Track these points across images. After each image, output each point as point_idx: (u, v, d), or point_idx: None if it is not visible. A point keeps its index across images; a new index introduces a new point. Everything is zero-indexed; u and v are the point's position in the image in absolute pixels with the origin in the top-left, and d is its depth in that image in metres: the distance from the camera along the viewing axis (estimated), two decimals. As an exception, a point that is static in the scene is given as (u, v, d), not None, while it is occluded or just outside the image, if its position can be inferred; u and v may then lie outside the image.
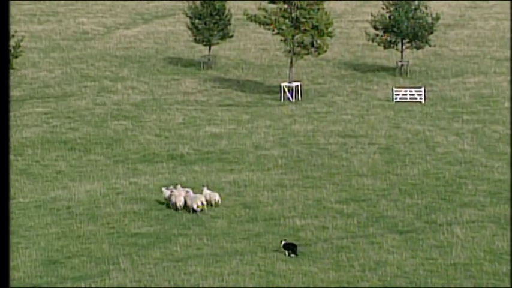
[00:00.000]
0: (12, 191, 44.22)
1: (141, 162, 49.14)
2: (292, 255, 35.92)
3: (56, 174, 47.44)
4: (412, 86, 64.46)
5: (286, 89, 62.72)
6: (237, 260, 36.11)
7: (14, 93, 63.90)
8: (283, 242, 36.39)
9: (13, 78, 66.36)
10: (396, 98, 61.73)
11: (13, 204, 42.43)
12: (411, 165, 47.61)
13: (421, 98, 61.62)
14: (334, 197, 42.99)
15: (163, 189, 41.71)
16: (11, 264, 35.81)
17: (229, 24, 69.75)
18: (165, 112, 59.04)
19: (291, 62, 63.67)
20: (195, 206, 40.30)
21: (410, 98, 61.61)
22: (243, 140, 52.57)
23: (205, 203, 40.57)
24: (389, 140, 52.43)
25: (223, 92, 64.73)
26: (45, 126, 56.05)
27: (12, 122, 56.12)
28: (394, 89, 62.44)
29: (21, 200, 43.26)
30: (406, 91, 61.96)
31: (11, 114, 58.11)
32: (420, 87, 62.82)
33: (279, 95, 62.99)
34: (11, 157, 49.66)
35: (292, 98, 62.48)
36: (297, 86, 63.07)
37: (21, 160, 49.52)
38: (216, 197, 41.26)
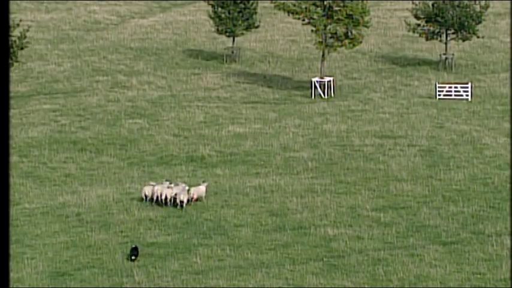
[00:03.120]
0: (17, 196, 44.58)
1: (157, 165, 49.35)
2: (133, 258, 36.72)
3: (65, 178, 47.76)
4: (457, 81, 64.16)
5: (317, 85, 62.70)
6: (262, 272, 36.16)
7: (20, 88, 64.43)
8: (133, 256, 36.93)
9: (18, 72, 66.95)
10: (439, 95, 61.50)
11: (18, 210, 42.78)
12: (456, 170, 47.40)
13: (467, 95, 61.33)
14: (370, 204, 42.92)
15: (149, 186, 42.30)
16: (15, 276, 36.09)
17: (255, 13, 69.83)
18: (184, 110, 59.25)
19: (323, 55, 63.63)
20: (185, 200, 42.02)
21: (455, 95, 61.35)
22: (270, 141, 52.63)
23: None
24: (431, 141, 52.25)
25: (248, 87, 64.82)
26: (53, 124, 56.45)
27: (17, 120, 56.60)
28: (437, 85, 62.20)
29: (26, 205, 43.59)
30: (450, 87, 61.70)
31: (16, 111, 58.59)
32: (466, 83, 62.52)
33: (310, 91, 62.99)
34: (16, 158, 50.05)
35: (324, 95, 62.45)
36: (329, 82, 63.03)
37: (27, 162, 49.90)
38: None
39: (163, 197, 42.12)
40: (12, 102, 59.90)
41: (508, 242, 38.64)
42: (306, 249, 38.09)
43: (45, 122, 56.88)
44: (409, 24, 68.86)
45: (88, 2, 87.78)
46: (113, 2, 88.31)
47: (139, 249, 37.43)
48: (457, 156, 49.54)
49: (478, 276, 35.95)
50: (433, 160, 48.96)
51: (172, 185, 42.36)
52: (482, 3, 68.22)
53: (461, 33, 67.64)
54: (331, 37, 62.52)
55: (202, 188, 42.80)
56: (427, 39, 68.78)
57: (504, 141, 52.04)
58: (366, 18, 62.44)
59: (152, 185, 42.56)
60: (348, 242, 38.74)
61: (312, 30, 63.69)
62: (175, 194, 41.94)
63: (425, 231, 39.95)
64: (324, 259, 37.26)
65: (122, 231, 40.12)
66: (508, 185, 45.05)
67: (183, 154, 50.83)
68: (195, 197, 42.46)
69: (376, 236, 39.42)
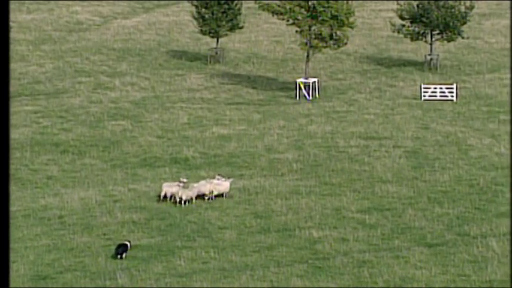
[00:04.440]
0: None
1: (141, 167, 49.27)
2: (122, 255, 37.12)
3: (47, 180, 47.61)
4: (442, 82, 64.39)
5: (302, 86, 62.77)
6: (247, 275, 36.17)
7: (1, 90, 64.16)
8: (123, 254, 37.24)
9: None
10: (425, 96, 61.68)
11: (-1, 212, 42.59)
12: (441, 171, 47.55)
13: (452, 96, 61.55)
14: (355, 206, 43.00)
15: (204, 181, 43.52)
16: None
17: (239, 14, 69.85)
18: (167, 111, 59.19)
19: (308, 56, 63.72)
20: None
21: (440, 96, 61.55)
22: (254, 142, 52.65)
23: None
24: (416, 142, 52.39)
25: (232, 88, 64.83)
26: (35, 126, 56.27)
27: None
28: (423, 86, 62.39)
29: (8, 208, 43.37)
30: (435, 88, 61.90)
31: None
32: (451, 84, 62.73)
33: (294, 92, 63.05)
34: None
35: (309, 96, 62.53)
36: (314, 83, 63.12)
37: (9, 164, 49.67)
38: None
39: (167, 195, 42.85)
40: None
41: (494, 243, 38.79)
42: (290, 251, 38.12)
43: (26, 123, 56.69)
44: (394, 25, 69.04)
45: (70, 2, 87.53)
46: (95, 2, 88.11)
47: (128, 247, 37.49)
48: (442, 157, 49.69)
49: (463, 278, 36.07)
50: (418, 161, 49.08)
51: (217, 180, 43.36)
52: (467, 3, 68.46)
53: (446, 33, 67.85)
54: (315, 38, 62.60)
55: (226, 184, 43.29)
56: (412, 39, 68.97)
57: (489, 142, 52.24)
58: (351, 19, 62.57)
59: (184, 182, 43.12)
60: (332, 244, 38.80)
61: (296, 31, 63.76)
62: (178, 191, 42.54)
63: (410, 233, 40.05)
64: (309, 261, 37.30)
65: (104, 234, 40.03)
66: (493, 186, 45.22)
67: (166, 156, 50.77)
68: (215, 193, 43.17)
69: (361, 237, 39.49)
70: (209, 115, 58.21)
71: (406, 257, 37.72)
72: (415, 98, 61.85)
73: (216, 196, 43.32)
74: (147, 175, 47.76)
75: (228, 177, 44.61)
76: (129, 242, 37.95)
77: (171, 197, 43.05)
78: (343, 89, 64.50)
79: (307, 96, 62.28)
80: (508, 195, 44.06)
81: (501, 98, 61.51)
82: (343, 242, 39.08)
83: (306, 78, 63.20)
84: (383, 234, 39.86)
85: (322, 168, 48.23)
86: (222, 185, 43.42)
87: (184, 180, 43.43)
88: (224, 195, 43.47)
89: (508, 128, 54.71)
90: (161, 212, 42.24)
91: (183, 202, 42.63)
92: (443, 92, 61.56)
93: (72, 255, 38.10)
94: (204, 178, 46.28)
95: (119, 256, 37.22)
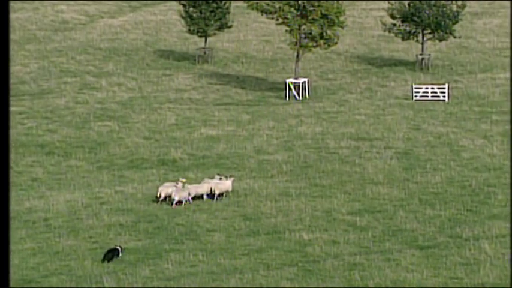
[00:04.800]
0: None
1: (128, 169, 49.22)
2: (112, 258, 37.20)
3: (32, 182, 47.53)
4: (434, 82, 64.53)
5: (291, 86, 62.81)
6: (236, 278, 36.17)
7: (-15, 90, 64.05)
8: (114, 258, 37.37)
9: (-16, 74, 66.56)
10: (416, 96, 61.80)
11: (-17, 215, 42.51)
12: (433, 172, 47.64)
13: (444, 96, 61.68)
14: (345, 208, 43.04)
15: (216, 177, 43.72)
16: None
17: (228, 12, 69.87)
18: (155, 112, 59.15)
19: (298, 56, 63.76)
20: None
21: (432, 96, 61.68)
22: (243, 144, 52.66)
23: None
24: (408, 143, 52.49)
25: (221, 89, 64.83)
26: (19, 127, 56.16)
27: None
28: (414, 86, 62.51)
29: (-8, 211, 43.30)
30: (427, 88, 62.03)
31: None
32: (443, 84, 62.87)
33: (284, 92, 63.09)
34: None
35: (299, 96, 62.57)
36: (304, 83, 63.17)
37: (-7, 166, 49.59)
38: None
39: (162, 195, 42.91)
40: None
41: (486, 245, 38.90)
42: (280, 254, 38.13)
43: (11, 124, 56.56)
44: (385, 24, 69.15)
45: (55, 1, 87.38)
46: (81, 1, 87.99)
47: (119, 252, 37.41)
48: (434, 158, 49.78)
49: (455, 280, 36.15)
50: (410, 163, 49.18)
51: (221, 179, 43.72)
52: (459, 2, 68.61)
53: (437, 33, 68.00)
54: (305, 37, 62.64)
55: (227, 183, 43.42)
56: (403, 39, 69.09)
57: (481, 143, 52.37)
58: (341, 18, 62.65)
59: (182, 182, 43.25)
60: (323, 247, 38.83)
61: (286, 31, 63.81)
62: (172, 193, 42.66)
63: (401, 235, 40.11)
64: (299, 264, 37.32)
65: (91, 237, 39.97)
66: (486, 188, 45.34)
67: (154, 157, 50.73)
68: (217, 192, 43.25)
69: (352, 240, 39.53)
70: (197, 116, 58.20)
71: (397, 259, 37.77)
72: (406, 98, 61.96)
73: (209, 196, 43.33)
74: (134, 177, 47.70)
75: (230, 176, 44.69)
76: (121, 247, 37.80)
77: (167, 198, 43.01)
78: (334, 89, 64.57)
79: (296, 96, 62.29)
80: (500, 196, 44.18)
81: (493, 98, 61.69)
82: (334, 244, 39.10)
83: (296, 78, 63.23)
84: (374, 237, 39.91)
85: (312, 169, 48.26)
86: (224, 184, 43.54)
87: (183, 180, 43.43)
88: (226, 194, 43.58)
89: (500, 129, 54.86)
90: (149, 215, 42.19)
91: (174, 203, 42.58)
92: (435, 92, 61.68)
93: (57, 258, 38.02)
94: (192, 179, 46.26)
95: (106, 261, 37.12)
